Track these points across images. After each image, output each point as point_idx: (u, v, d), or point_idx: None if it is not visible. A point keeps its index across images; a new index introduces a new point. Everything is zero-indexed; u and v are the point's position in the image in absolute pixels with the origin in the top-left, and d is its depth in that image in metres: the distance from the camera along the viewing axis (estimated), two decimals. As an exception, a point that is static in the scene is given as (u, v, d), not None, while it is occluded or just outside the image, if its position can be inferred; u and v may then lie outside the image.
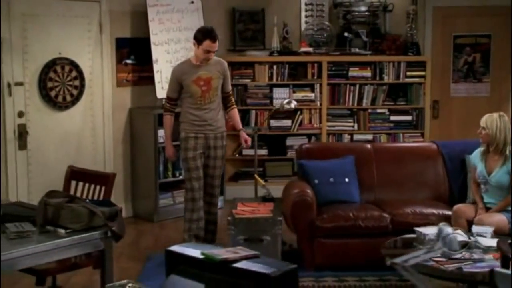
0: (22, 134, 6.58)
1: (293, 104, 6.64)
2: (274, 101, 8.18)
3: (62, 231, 3.96)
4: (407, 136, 8.31)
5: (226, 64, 6.24)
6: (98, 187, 4.75)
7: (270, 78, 8.22)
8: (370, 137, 8.29)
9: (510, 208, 5.68)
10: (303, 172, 6.30)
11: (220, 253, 3.28)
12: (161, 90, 7.35)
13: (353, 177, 6.28)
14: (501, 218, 5.55)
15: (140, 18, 7.46)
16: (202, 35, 5.91)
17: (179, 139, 6.15)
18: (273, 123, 8.16)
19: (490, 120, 5.75)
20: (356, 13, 8.51)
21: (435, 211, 5.97)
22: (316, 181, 6.15)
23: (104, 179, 4.74)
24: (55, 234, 3.96)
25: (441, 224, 4.99)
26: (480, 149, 5.96)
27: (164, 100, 6.39)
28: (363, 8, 8.54)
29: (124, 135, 7.56)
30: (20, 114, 6.58)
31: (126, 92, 7.55)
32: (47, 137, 6.84)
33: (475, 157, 5.99)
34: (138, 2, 7.45)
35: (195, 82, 6.00)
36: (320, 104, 8.24)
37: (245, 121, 7.98)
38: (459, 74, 8.76)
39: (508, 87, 8.76)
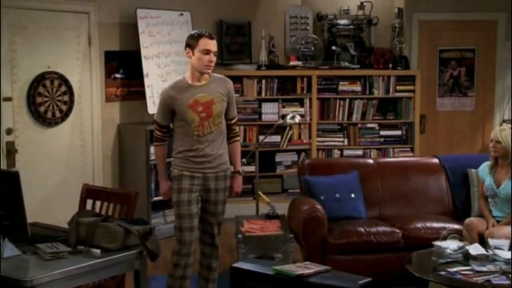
0: (10, 152, 6.27)
1: (298, 119, 6.48)
2: (263, 116, 8.06)
3: (97, 251, 3.76)
4: (396, 151, 8.26)
5: (231, 83, 5.03)
6: (118, 206, 4.49)
7: (259, 92, 8.07)
8: (360, 152, 8.22)
9: (519, 221, 5.70)
10: (308, 188, 6.14)
11: (292, 268, 3.15)
12: (153, 105, 7.12)
13: (359, 192, 6.16)
14: (509, 231, 5.48)
15: (129, 30, 7.25)
16: (195, 37, 4.79)
17: (171, 177, 4.94)
18: (262, 139, 7.96)
19: (505, 134, 5.73)
20: (341, 27, 8.46)
21: (444, 225, 5.87)
22: (322, 197, 6.00)
23: (124, 198, 4.50)
24: (89, 254, 3.76)
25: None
26: (488, 162, 5.94)
27: (154, 127, 5.14)
28: (347, 22, 8.49)
29: (113, 152, 7.31)
30: (9, 131, 6.29)
31: (115, 107, 7.31)
32: (36, 155, 6.54)
33: (483, 171, 5.97)
34: (127, 14, 7.22)
35: (191, 107, 4.76)
36: (310, 119, 8.12)
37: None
38: (444, 88, 8.77)
39: (492, 101, 8.80)
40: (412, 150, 8.27)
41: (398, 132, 8.30)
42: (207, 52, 4.76)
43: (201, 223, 4.97)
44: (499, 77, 8.77)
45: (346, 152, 8.21)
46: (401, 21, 8.52)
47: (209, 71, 4.84)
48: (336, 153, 8.20)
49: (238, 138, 5.11)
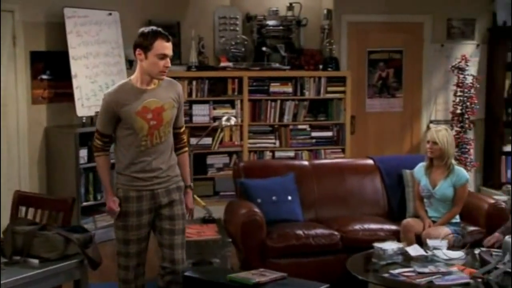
0: None
1: (233, 121, 6.35)
2: (194, 118, 7.91)
3: (36, 261, 3.59)
4: (328, 152, 8.25)
5: (181, 86, 4.43)
6: (53, 213, 4.28)
7: (189, 94, 7.91)
8: (292, 153, 8.16)
9: (453, 221, 5.77)
10: (244, 191, 6.05)
11: (248, 276, 3.05)
12: (81, 108, 6.91)
13: (295, 195, 6.10)
14: (446, 231, 5.60)
15: (56, 30, 7.00)
16: (150, 37, 4.16)
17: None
18: (193, 141, 7.80)
19: (441, 135, 5.76)
20: (270, 27, 8.40)
21: (382, 226, 5.93)
22: (259, 200, 5.91)
23: (61, 205, 4.28)
24: (26, 265, 3.59)
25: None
26: (423, 163, 5.97)
27: (94, 136, 4.35)
28: (276, 22, 8.44)
29: (40, 156, 7.04)
30: None
31: (42, 110, 7.05)
32: (-42, 160, 6.23)
33: (419, 172, 5.98)
34: (54, 13, 6.97)
35: (140, 114, 4.16)
36: (241, 121, 8.01)
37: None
38: (373, 89, 8.82)
39: (419, 102, 8.92)
40: (343, 151, 8.27)
41: (329, 133, 8.29)
42: (163, 56, 4.17)
43: (159, 247, 4.38)
44: (425, 78, 8.89)
45: (278, 154, 8.14)
46: (330, 22, 8.52)
47: (164, 77, 4.27)
48: (268, 154, 8.12)
49: (187, 149, 4.56)
